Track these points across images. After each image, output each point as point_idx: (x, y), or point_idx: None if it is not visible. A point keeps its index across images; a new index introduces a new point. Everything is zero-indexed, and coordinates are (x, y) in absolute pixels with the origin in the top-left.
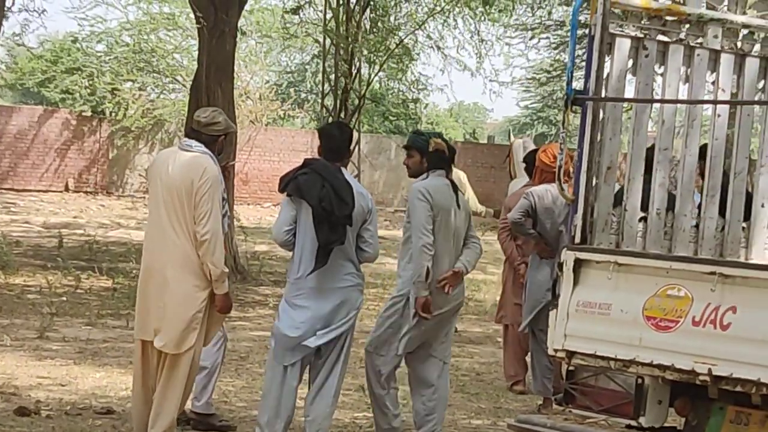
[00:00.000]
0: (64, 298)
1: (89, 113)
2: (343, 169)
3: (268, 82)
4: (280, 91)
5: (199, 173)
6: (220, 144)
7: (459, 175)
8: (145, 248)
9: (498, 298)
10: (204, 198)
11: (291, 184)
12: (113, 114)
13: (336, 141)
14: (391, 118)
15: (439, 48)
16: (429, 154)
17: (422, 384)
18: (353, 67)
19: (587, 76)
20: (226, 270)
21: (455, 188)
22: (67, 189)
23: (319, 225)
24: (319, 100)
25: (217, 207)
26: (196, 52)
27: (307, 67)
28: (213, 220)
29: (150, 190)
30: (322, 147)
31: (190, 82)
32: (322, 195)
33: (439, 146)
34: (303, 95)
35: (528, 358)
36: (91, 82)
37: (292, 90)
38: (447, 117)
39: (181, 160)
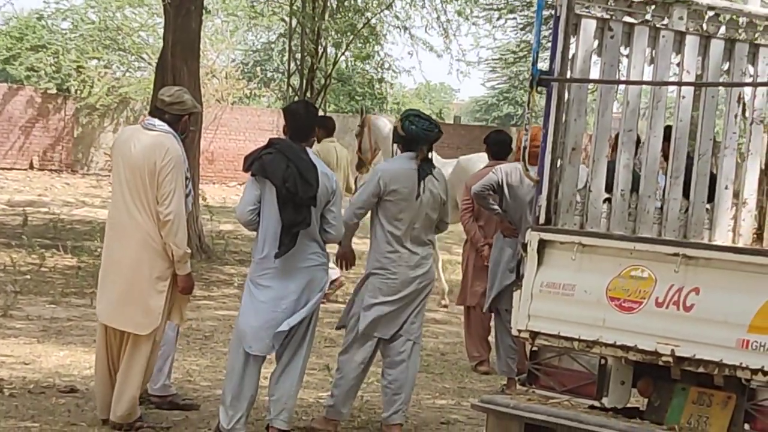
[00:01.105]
0: (28, 277)
1: (54, 91)
2: (308, 149)
3: (234, 60)
4: (246, 70)
5: (162, 153)
6: (184, 123)
7: (336, 150)
8: (108, 228)
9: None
10: (167, 178)
11: (255, 164)
12: (78, 92)
13: (301, 120)
14: (357, 98)
15: (405, 29)
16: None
17: (391, 363)
18: (319, 47)
19: (552, 57)
20: (189, 251)
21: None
22: (31, 167)
23: (284, 206)
24: (285, 80)
25: (180, 187)
26: (162, 30)
27: (273, 46)
28: (176, 200)
29: (113, 169)
30: (288, 126)
31: (156, 61)
32: (286, 175)
33: (397, 125)
34: (269, 74)
35: (492, 339)
36: (56, 60)
37: (258, 69)
38: (414, 97)
39: (143, 140)
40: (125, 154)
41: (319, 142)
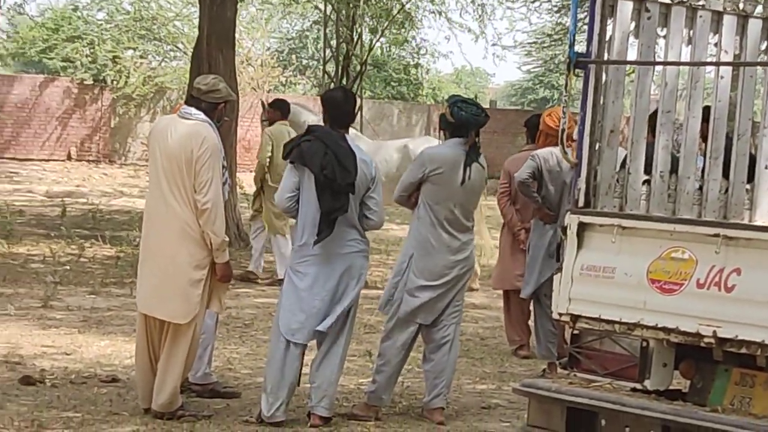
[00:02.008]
0: (68, 267)
1: (90, 81)
2: (346, 135)
3: (269, 49)
4: (281, 58)
5: (199, 142)
6: (220, 112)
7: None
8: (146, 217)
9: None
10: (204, 167)
11: (294, 151)
12: (114, 82)
13: (340, 107)
14: (393, 83)
15: (440, 13)
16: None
17: (432, 348)
18: (354, 33)
19: (589, 39)
20: (227, 239)
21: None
22: (69, 158)
23: (322, 193)
24: (321, 67)
25: (217, 175)
26: (197, 20)
27: (308, 33)
28: (213, 188)
29: (150, 158)
30: (326, 114)
31: (192, 50)
32: (324, 162)
33: (444, 111)
34: (304, 62)
35: (531, 323)
36: (92, 50)
37: (293, 56)
38: (449, 82)
39: (180, 129)
40: (162, 144)
41: (271, 124)
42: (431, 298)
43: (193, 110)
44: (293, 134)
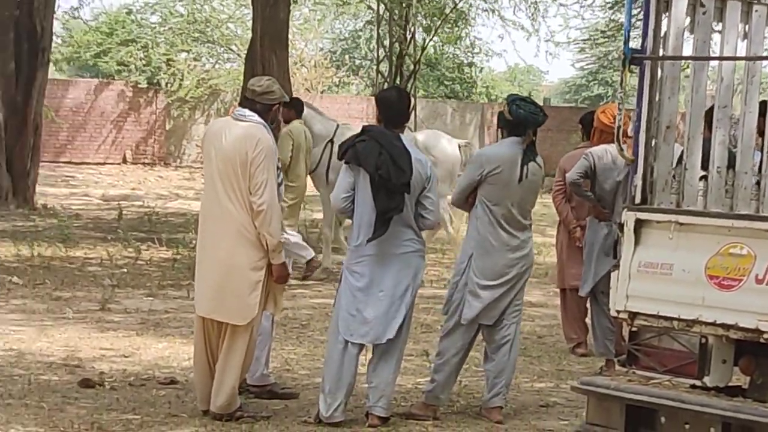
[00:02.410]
0: (125, 270)
1: (145, 84)
2: (401, 135)
3: (322, 49)
4: (334, 59)
5: (253, 144)
6: (274, 113)
7: (305, 133)
8: (202, 220)
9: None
10: (259, 168)
11: (349, 152)
12: (169, 85)
13: (394, 107)
14: (446, 82)
15: (494, 11)
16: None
17: (493, 348)
18: (408, 33)
19: (644, 35)
20: (283, 239)
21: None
22: (124, 161)
23: (377, 193)
24: (374, 67)
25: (272, 177)
26: (250, 21)
27: (360, 33)
28: (269, 190)
29: (205, 161)
30: (380, 113)
31: (245, 52)
32: (379, 162)
33: (503, 109)
34: (357, 62)
35: (588, 320)
36: (146, 54)
37: (346, 57)
38: (503, 80)
39: (234, 131)
40: (217, 146)
41: (287, 123)
42: (494, 298)
43: (247, 112)
44: (308, 133)
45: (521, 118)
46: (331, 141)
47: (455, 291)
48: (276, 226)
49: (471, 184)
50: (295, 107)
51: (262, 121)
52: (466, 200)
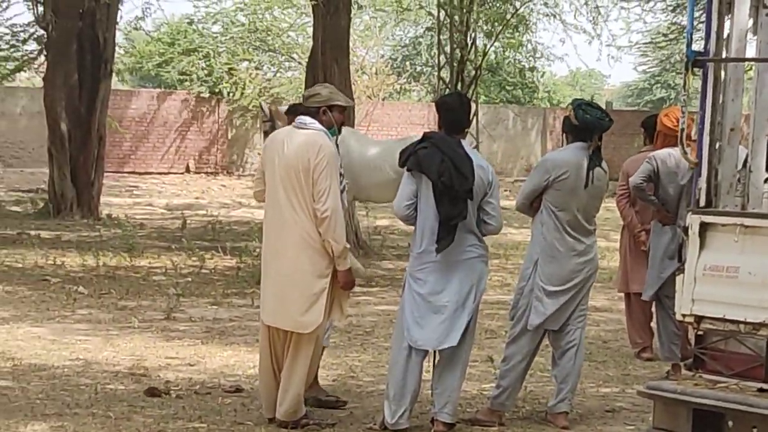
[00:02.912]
0: (189, 279)
1: (207, 94)
2: (462, 141)
3: (383, 56)
4: (395, 66)
5: (315, 151)
6: (329, 118)
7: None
8: (265, 229)
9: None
10: (322, 175)
11: (411, 159)
12: (231, 94)
13: (455, 113)
14: (507, 87)
15: (555, 15)
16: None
17: (559, 353)
18: (468, 38)
19: (707, 38)
20: (348, 246)
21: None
22: (188, 170)
23: (440, 199)
24: (435, 73)
25: (335, 183)
26: (311, 29)
27: (421, 40)
28: (332, 196)
29: (267, 170)
30: (441, 120)
31: (306, 60)
32: (441, 169)
33: (568, 114)
34: (418, 68)
35: (654, 325)
36: (207, 63)
37: (407, 63)
38: (564, 85)
39: (296, 139)
40: (279, 154)
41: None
42: (560, 304)
43: (308, 120)
44: None
45: (587, 123)
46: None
47: (521, 297)
48: (341, 232)
49: (536, 190)
50: (296, 113)
51: (324, 128)
52: (531, 206)
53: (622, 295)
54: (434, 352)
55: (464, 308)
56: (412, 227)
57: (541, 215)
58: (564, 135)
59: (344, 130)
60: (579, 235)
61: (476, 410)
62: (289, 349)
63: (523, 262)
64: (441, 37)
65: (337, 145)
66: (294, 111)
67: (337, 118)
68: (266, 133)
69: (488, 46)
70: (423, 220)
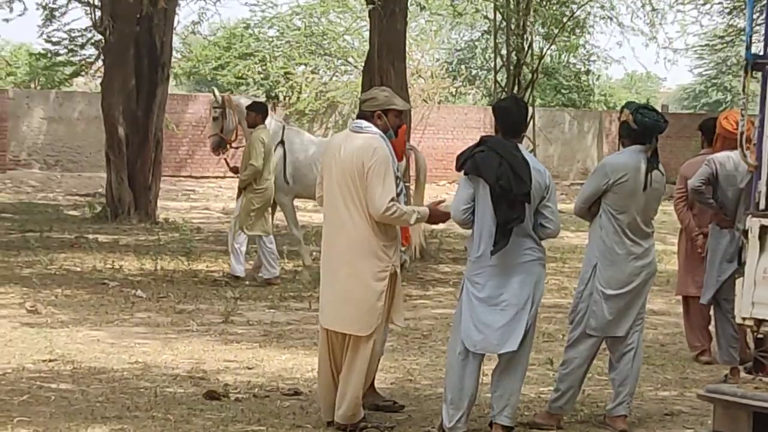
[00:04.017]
0: (247, 283)
1: (263, 98)
2: (519, 145)
3: (438, 60)
4: (450, 69)
5: (369, 154)
6: (384, 122)
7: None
8: (325, 233)
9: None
10: (375, 177)
11: (468, 163)
12: (287, 98)
13: (513, 116)
14: (563, 91)
15: (611, 18)
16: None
17: (618, 357)
18: (525, 42)
19: (766, 40)
20: (416, 214)
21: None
22: None
23: (498, 203)
24: (491, 77)
25: (388, 186)
26: (367, 33)
27: (476, 43)
28: (385, 196)
29: (325, 175)
30: (499, 123)
31: (362, 64)
32: (499, 173)
33: (626, 118)
34: (473, 72)
35: (712, 328)
36: (264, 67)
37: (462, 67)
38: (620, 88)
39: (352, 143)
40: (336, 158)
41: (252, 128)
42: (619, 308)
43: (364, 123)
44: (269, 138)
45: (646, 126)
46: (282, 142)
47: (580, 300)
48: (407, 217)
49: (595, 193)
50: (262, 112)
51: (380, 132)
52: (589, 210)
53: (680, 298)
54: (493, 355)
55: (523, 311)
56: (470, 231)
57: (599, 219)
58: (620, 139)
59: (288, 130)
60: (637, 238)
61: (534, 413)
62: (347, 353)
63: (582, 266)
64: (497, 40)
65: (283, 144)
66: (257, 108)
67: (393, 122)
68: (215, 119)
69: (545, 50)
70: (480, 224)
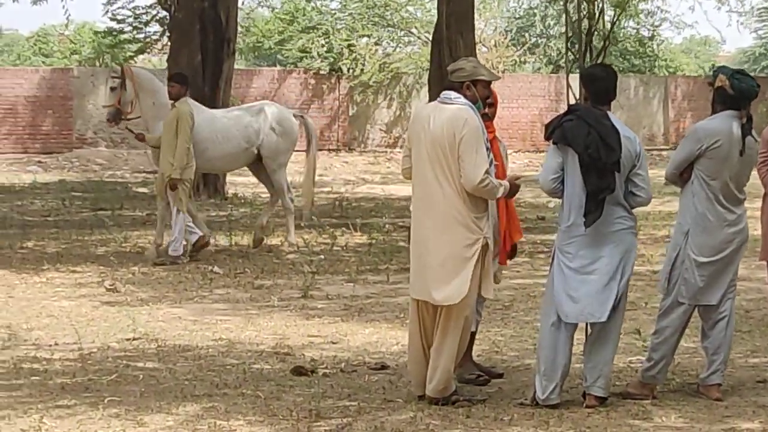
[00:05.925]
0: (322, 257)
1: (327, 71)
2: (609, 113)
3: (496, 29)
4: (510, 38)
5: (461, 125)
6: (473, 93)
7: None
8: (414, 204)
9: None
10: (467, 148)
11: (556, 132)
12: (350, 70)
13: (602, 83)
14: (627, 57)
15: None
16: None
17: (710, 325)
18: (596, 8)
19: None
20: (502, 188)
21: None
22: None
23: (587, 172)
24: (551, 44)
25: (481, 156)
26: (429, 4)
27: (535, 11)
28: (478, 168)
29: (413, 147)
30: (588, 91)
31: (425, 34)
32: (588, 141)
33: (722, 83)
34: (533, 40)
35: None
36: (327, 40)
37: (526, 35)
38: (678, 52)
39: (442, 114)
40: (426, 130)
41: (176, 99)
42: (712, 276)
43: (453, 94)
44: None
45: (743, 91)
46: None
47: (672, 269)
48: (496, 191)
49: (688, 159)
50: (185, 83)
51: (469, 103)
52: (681, 176)
53: (763, 263)
54: (585, 325)
55: (614, 281)
56: (556, 200)
57: (691, 185)
58: (712, 104)
59: (189, 104)
60: (730, 204)
61: (627, 383)
62: (438, 325)
63: (672, 233)
64: (568, 7)
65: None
66: (181, 80)
67: (481, 92)
68: (112, 89)
69: (616, 16)
70: (570, 194)
